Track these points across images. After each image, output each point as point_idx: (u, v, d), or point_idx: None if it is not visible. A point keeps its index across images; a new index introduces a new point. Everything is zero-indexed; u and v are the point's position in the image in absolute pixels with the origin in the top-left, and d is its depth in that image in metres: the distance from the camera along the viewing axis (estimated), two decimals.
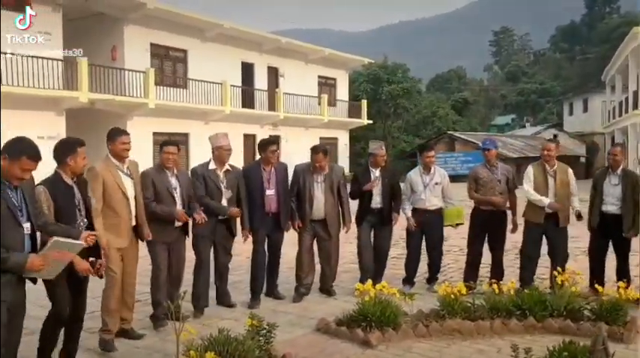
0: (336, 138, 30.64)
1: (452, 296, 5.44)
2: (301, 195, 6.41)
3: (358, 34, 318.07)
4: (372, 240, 6.86)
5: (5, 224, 3.05)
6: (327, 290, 6.74)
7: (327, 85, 30.83)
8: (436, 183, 6.77)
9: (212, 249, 6.02)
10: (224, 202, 5.86)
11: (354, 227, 6.82)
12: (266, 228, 6.23)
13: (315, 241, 6.62)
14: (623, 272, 6.40)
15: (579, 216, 6.42)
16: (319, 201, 6.40)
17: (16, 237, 3.15)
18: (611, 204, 6.34)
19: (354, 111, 31.85)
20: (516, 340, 4.61)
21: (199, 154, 19.79)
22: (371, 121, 32.05)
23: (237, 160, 22.45)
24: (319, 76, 30.02)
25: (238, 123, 23.91)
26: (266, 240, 6.35)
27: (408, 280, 6.94)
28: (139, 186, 5.02)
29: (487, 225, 6.68)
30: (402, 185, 7.03)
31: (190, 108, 21.72)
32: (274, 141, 6.49)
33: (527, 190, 6.48)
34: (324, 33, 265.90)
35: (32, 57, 16.67)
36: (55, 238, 3.32)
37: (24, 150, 3.23)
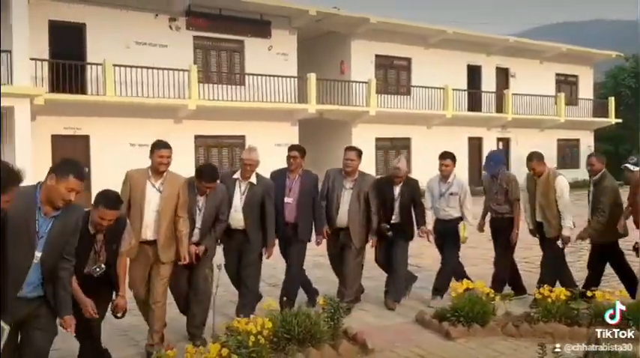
0: (577, 140, 28.49)
1: (549, 299, 5.36)
2: (329, 199, 6.19)
3: None
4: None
5: (16, 241, 3.08)
6: (347, 307, 5.75)
7: (566, 82, 28.86)
8: (451, 194, 6.49)
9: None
10: (236, 212, 5.47)
11: None
12: (284, 237, 5.94)
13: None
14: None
15: (564, 242, 6.26)
16: (344, 207, 6.11)
17: (23, 260, 3.12)
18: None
19: (600, 110, 29.17)
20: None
21: (421, 157, 20.64)
22: (620, 120, 28.89)
23: (462, 163, 22.66)
24: (557, 74, 28.29)
25: (462, 126, 24.08)
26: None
27: (434, 290, 6.56)
28: (172, 202, 4.77)
29: (492, 232, 6.67)
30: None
31: (411, 114, 22.62)
32: (294, 147, 6.14)
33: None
34: (594, 24, 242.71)
35: (272, 76, 19.46)
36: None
37: (71, 169, 3.22)
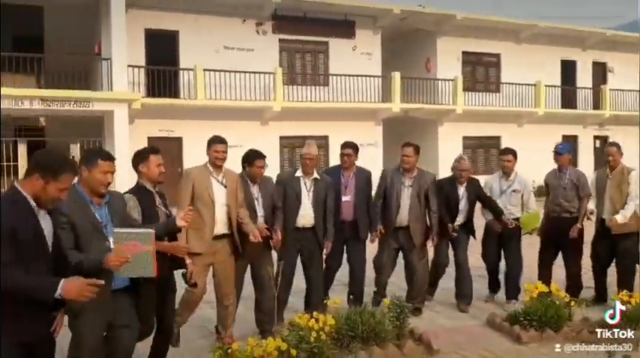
0: None
1: (629, 305, 5.09)
2: (387, 197, 5.94)
3: None
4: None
5: (88, 237, 3.17)
6: (414, 307, 5.79)
7: None
8: (514, 191, 6.32)
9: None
10: (306, 210, 5.42)
11: None
12: (342, 237, 5.80)
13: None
14: None
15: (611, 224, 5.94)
16: (404, 206, 5.87)
17: (102, 248, 3.17)
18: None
19: None
20: None
21: None
22: None
23: (546, 163, 21.57)
24: None
25: (555, 124, 23.04)
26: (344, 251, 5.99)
27: (507, 294, 6.44)
28: (235, 195, 4.87)
29: (556, 233, 6.22)
30: None
31: (501, 111, 21.94)
32: (347, 144, 5.93)
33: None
34: None
35: (356, 76, 19.56)
36: (115, 229, 3.15)
37: (97, 154, 3.32)
